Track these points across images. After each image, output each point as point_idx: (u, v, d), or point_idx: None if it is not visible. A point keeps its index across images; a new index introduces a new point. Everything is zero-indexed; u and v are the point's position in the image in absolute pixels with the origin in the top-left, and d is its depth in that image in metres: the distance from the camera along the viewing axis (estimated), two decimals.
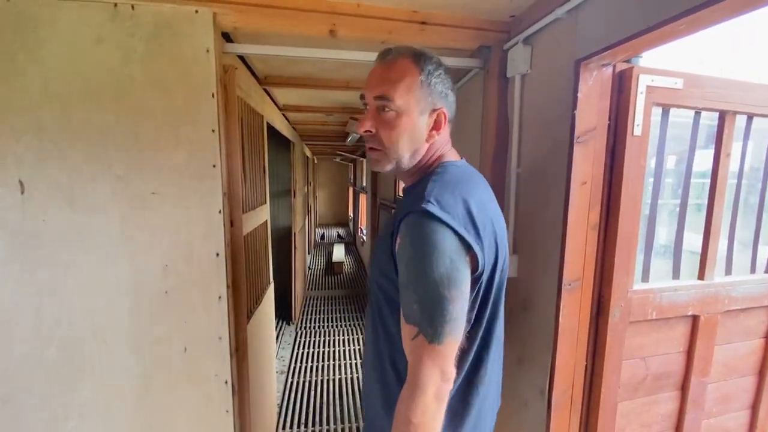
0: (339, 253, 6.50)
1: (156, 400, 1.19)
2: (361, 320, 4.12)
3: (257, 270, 1.81)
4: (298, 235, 4.00)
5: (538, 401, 1.13)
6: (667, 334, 1.16)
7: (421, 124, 0.76)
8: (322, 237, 9.04)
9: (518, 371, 1.24)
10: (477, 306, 0.73)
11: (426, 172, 0.79)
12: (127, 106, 1.08)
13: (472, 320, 0.74)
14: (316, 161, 9.52)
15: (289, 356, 3.29)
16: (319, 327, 3.92)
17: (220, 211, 1.16)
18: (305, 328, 3.90)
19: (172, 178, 1.12)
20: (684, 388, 1.21)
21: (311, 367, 3.11)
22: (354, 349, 3.41)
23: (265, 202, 2.05)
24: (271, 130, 2.69)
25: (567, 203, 0.99)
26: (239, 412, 1.29)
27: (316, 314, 4.29)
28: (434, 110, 0.76)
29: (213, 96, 1.12)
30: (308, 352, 3.36)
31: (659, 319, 1.13)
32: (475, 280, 0.70)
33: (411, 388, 0.65)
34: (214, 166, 1.14)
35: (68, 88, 1.05)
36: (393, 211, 0.92)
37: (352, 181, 9.31)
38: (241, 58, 1.57)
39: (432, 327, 0.64)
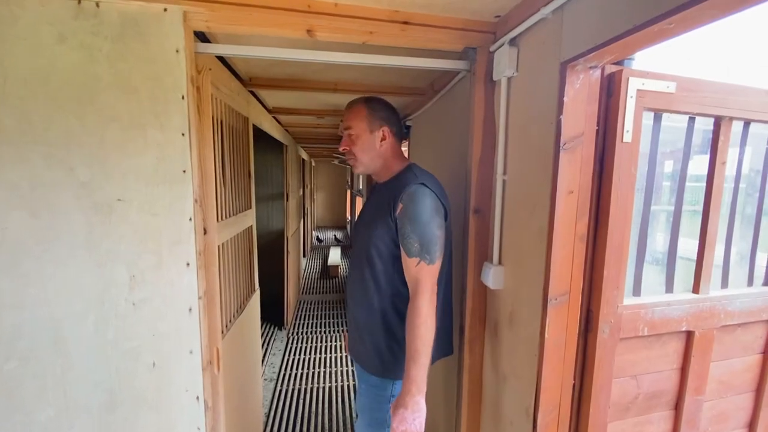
0: (335, 256, 6.44)
1: (123, 417, 1.13)
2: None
3: (238, 278, 1.76)
4: (291, 239, 3.95)
5: (524, 421, 1.07)
6: (660, 350, 1.10)
7: (372, 139, 1.18)
8: (319, 240, 8.98)
9: (503, 388, 1.19)
10: (446, 250, 1.12)
11: (398, 171, 1.19)
12: (91, 108, 1.03)
13: (444, 257, 1.11)
14: (314, 164, 9.48)
15: (279, 363, 3.22)
16: (311, 332, 3.86)
17: (190, 219, 1.11)
18: (297, 333, 3.83)
19: (139, 183, 1.06)
20: (678, 407, 1.15)
21: (301, 375, 3.04)
22: (346, 356, 3.34)
23: (251, 207, 2.00)
24: (262, 133, 2.65)
25: (553, 213, 0.94)
26: (212, 429, 1.23)
27: (309, 319, 4.23)
28: (379, 128, 1.17)
29: (183, 98, 1.07)
30: (299, 359, 3.29)
31: (651, 335, 1.07)
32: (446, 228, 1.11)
33: (418, 296, 1.02)
34: (184, 171, 1.09)
35: (28, 89, 0.99)
36: (376, 200, 1.22)
37: (349, 184, 9.27)
38: (223, 60, 1.52)
39: (429, 254, 1.03)
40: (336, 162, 8.75)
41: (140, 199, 1.07)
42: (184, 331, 1.14)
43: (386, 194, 1.13)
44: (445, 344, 1.25)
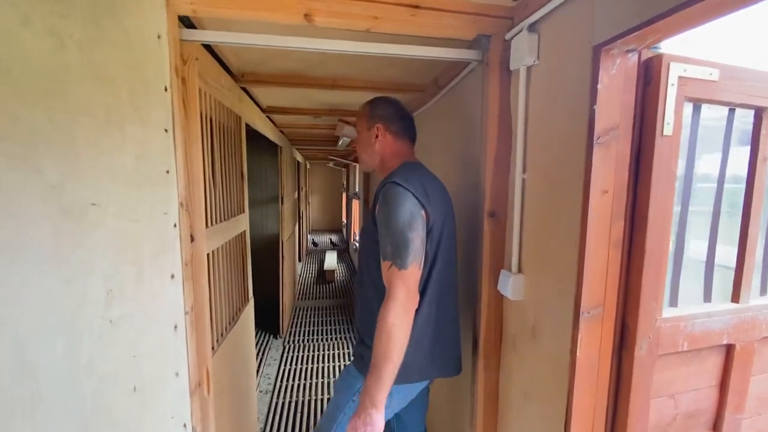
0: (331, 260, 6.31)
1: None
2: (352, 332, 3.93)
3: (230, 289, 1.63)
4: (286, 243, 3.82)
5: None
6: (699, 366, 1.00)
7: (368, 136, 1.20)
8: (315, 244, 8.84)
9: (525, 409, 1.07)
10: (431, 255, 1.05)
11: (392, 170, 1.14)
12: (61, 101, 0.90)
13: (429, 263, 1.05)
14: (309, 166, 9.35)
15: (275, 374, 3.09)
16: (308, 340, 3.72)
17: (175, 225, 0.99)
18: (293, 341, 3.70)
19: (116, 186, 0.94)
20: (716, 426, 1.05)
21: (299, 386, 2.91)
22: (344, 366, 3.21)
23: (244, 211, 1.88)
24: (256, 134, 2.54)
25: (585, 216, 0.83)
26: None
27: (305, 326, 4.09)
28: (374, 126, 1.18)
29: (166, 90, 0.95)
30: (296, 369, 3.16)
31: (690, 351, 0.97)
32: (428, 233, 1.03)
33: (387, 301, 0.94)
34: (167, 171, 0.97)
35: None
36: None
37: (345, 186, 9.14)
38: (212, 52, 1.40)
39: (400, 258, 0.95)
40: (331, 164, 8.63)
41: (117, 204, 0.94)
42: (169, 350, 1.02)
43: (376, 194, 1.12)
44: (445, 362, 1.15)
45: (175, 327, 1.01)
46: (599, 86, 0.80)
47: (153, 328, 0.99)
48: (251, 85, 1.85)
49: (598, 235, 0.84)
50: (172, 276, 0.99)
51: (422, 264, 0.99)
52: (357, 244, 6.47)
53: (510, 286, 1.06)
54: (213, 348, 1.31)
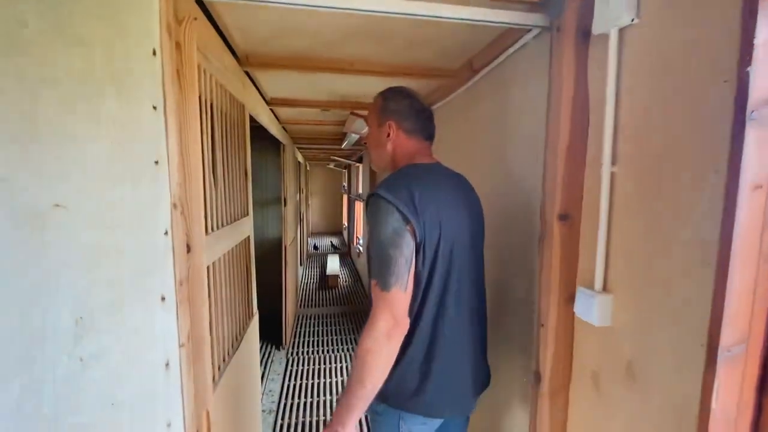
0: (333, 265, 6.06)
1: None
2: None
3: (233, 306, 1.40)
4: (289, 248, 3.58)
5: None
6: None
7: (379, 134, 1.06)
8: (315, 247, 8.59)
9: None
10: (426, 274, 0.91)
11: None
12: (13, 66, 0.67)
13: (423, 284, 0.92)
14: (308, 167, 9.12)
15: (278, 390, 2.84)
16: (312, 352, 3.48)
17: (166, 232, 0.75)
18: (297, 353, 3.45)
19: (86, 181, 0.71)
20: None
21: (304, 404, 2.67)
22: None
23: (248, 214, 1.64)
24: (258, 129, 2.31)
25: (730, 220, 0.61)
26: None
27: (309, 336, 3.85)
28: (386, 122, 1.04)
29: (155, 54, 0.72)
30: (301, 385, 2.91)
31: None
32: (417, 248, 0.89)
33: (368, 324, 0.86)
34: (156, 162, 0.74)
35: None
36: None
37: (346, 188, 8.91)
38: (216, 26, 1.17)
39: (383, 277, 0.86)
40: (332, 165, 8.41)
41: (89, 205, 0.71)
42: (159, 395, 0.78)
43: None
44: (456, 399, 1.00)
45: (167, 365, 0.78)
46: (756, 41, 0.58)
47: (136, 367, 0.76)
48: (257, 70, 1.62)
49: (746, 246, 0.61)
50: (163, 299, 0.76)
51: (407, 286, 0.87)
52: (360, 248, 6.23)
53: (595, 308, 0.83)
54: (214, 379, 1.08)
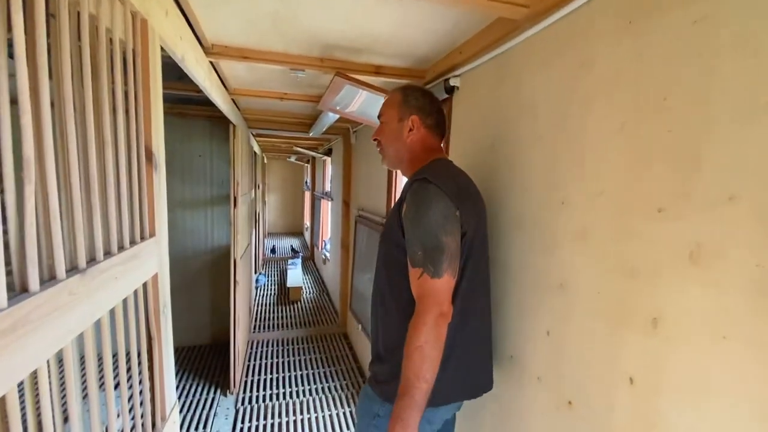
0: (295, 274, 5.21)
1: None
2: (337, 379, 2.93)
3: None
4: (240, 262, 2.74)
5: None
6: None
7: (400, 128, 1.06)
8: (273, 251, 7.65)
9: None
10: (463, 263, 0.92)
11: (421, 167, 1.02)
12: None
13: (460, 272, 0.92)
14: (266, 160, 8.15)
15: None
16: (271, 396, 2.68)
17: None
18: (251, 400, 2.64)
19: None
20: None
21: None
22: None
23: (154, 234, 0.86)
24: (188, 95, 1.51)
25: None
26: None
27: (266, 371, 3.03)
28: (408, 117, 1.05)
29: None
30: None
31: None
32: (462, 236, 0.91)
33: (418, 316, 0.85)
34: None
35: None
36: (399, 200, 1.01)
37: (309, 185, 8.04)
38: None
39: (433, 265, 0.85)
40: (293, 158, 7.51)
41: None
42: None
43: (403, 192, 0.99)
44: (473, 382, 1.02)
45: None
46: None
47: None
48: None
49: None
50: None
51: (456, 274, 0.88)
52: (325, 253, 5.43)
53: None
54: None
